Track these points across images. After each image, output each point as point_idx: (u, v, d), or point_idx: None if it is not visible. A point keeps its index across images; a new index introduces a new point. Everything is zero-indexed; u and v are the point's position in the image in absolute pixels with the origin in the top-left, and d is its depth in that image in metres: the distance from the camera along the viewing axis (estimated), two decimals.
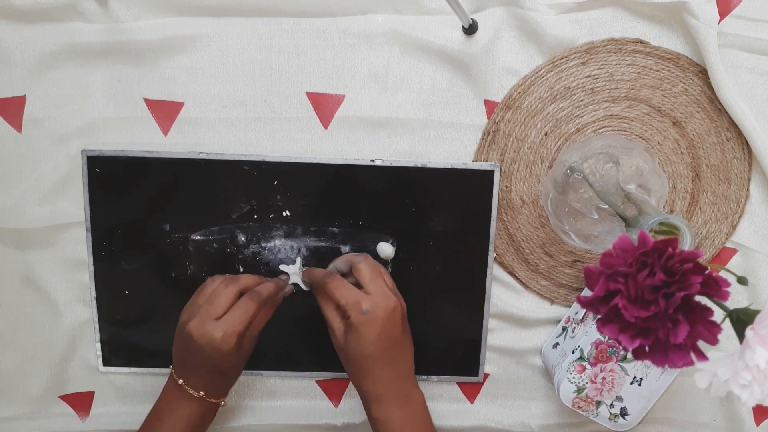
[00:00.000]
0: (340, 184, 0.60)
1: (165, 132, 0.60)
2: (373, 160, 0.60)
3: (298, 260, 0.62)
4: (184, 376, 0.55)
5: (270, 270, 0.62)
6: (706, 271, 0.34)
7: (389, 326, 0.53)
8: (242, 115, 0.60)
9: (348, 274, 0.57)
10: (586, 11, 0.58)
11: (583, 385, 0.57)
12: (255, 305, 0.53)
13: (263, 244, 0.61)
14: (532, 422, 0.66)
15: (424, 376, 0.66)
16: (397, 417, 0.54)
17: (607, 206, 0.50)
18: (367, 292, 0.54)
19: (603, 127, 0.60)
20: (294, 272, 0.61)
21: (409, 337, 0.57)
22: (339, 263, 0.59)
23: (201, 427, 0.56)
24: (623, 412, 0.58)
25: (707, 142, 0.60)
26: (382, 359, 0.54)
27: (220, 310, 0.53)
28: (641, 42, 0.59)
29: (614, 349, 0.56)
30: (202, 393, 0.54)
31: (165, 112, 0.60)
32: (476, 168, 0.60)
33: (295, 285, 0.61)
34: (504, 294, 0.64)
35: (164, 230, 0.61)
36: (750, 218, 0.62)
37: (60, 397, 0.66)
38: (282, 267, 0.61)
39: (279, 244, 0.61)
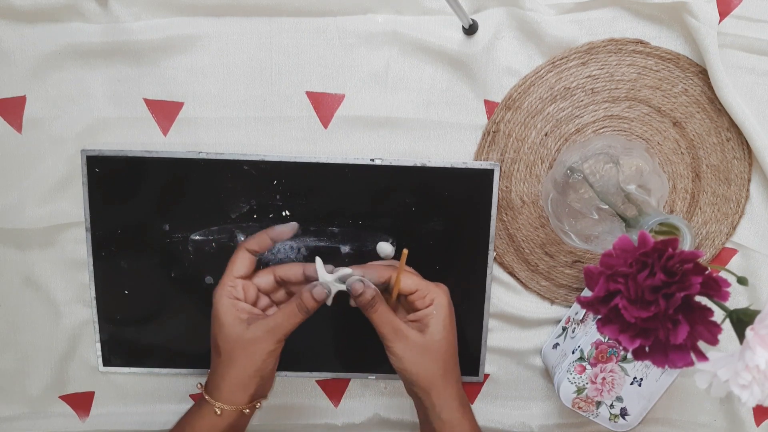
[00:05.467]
0: (340, 184, 0.60)
1: (165, 132, 0.60)
2: (372, 160, 0.60)
3: (336, 272, 0.53)
4: (208, 380, 0.54)
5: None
6: (706, 272, 0.34)
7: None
8: (242, 115, 0.60)
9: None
10: (586, 11, 0.58)
11: (583, 385, 0.57)
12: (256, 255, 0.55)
13: None
14: (532, 422, 0.66)
15: None
16: (468, 421, 0.54)
17: (607, 206, 0.50)
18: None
19: (603, 128, 0.60)
20: (329, 279, 0.53)
21: None
22: (371, 274, 0.53)
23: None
24: (623, 413, 0.58)
25: (707, 142, 0.60)
26: (455, 356, 0.54)
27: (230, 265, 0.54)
28: (641, 42, 0.59)
29: (614, 349, 0.56)
30: (218, 404, 0.51)
31: (165, 112, 0.60)
32: (476, 167, 0.60)
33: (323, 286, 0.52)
34: (504, 294, 0.64)
35: (164, 230, 0.61)
36: (750, 218, 0.62)
37: (60, 397, 0.66)
38: (319, 265, 0.54)
39: (278, 244, 0.61)
